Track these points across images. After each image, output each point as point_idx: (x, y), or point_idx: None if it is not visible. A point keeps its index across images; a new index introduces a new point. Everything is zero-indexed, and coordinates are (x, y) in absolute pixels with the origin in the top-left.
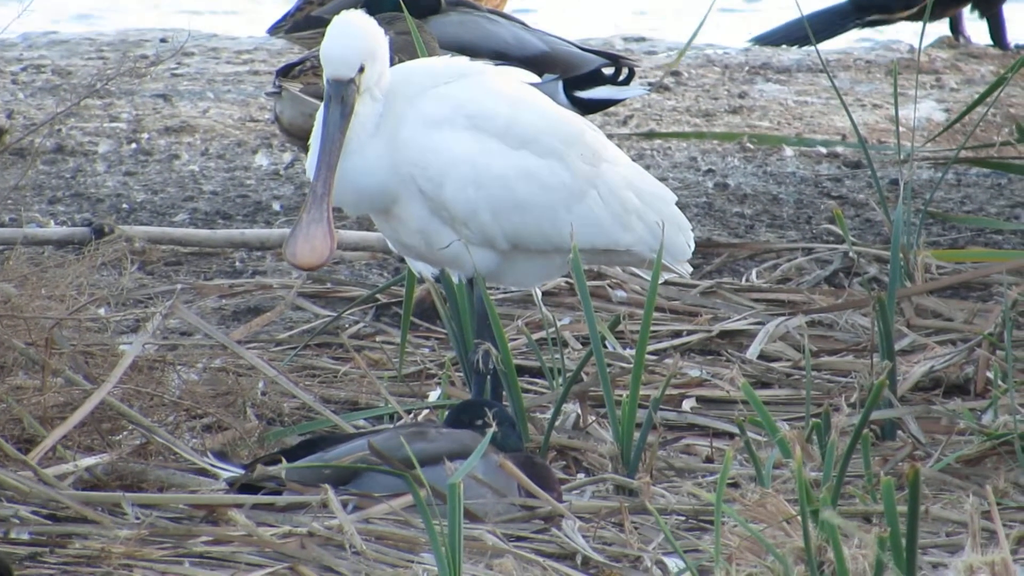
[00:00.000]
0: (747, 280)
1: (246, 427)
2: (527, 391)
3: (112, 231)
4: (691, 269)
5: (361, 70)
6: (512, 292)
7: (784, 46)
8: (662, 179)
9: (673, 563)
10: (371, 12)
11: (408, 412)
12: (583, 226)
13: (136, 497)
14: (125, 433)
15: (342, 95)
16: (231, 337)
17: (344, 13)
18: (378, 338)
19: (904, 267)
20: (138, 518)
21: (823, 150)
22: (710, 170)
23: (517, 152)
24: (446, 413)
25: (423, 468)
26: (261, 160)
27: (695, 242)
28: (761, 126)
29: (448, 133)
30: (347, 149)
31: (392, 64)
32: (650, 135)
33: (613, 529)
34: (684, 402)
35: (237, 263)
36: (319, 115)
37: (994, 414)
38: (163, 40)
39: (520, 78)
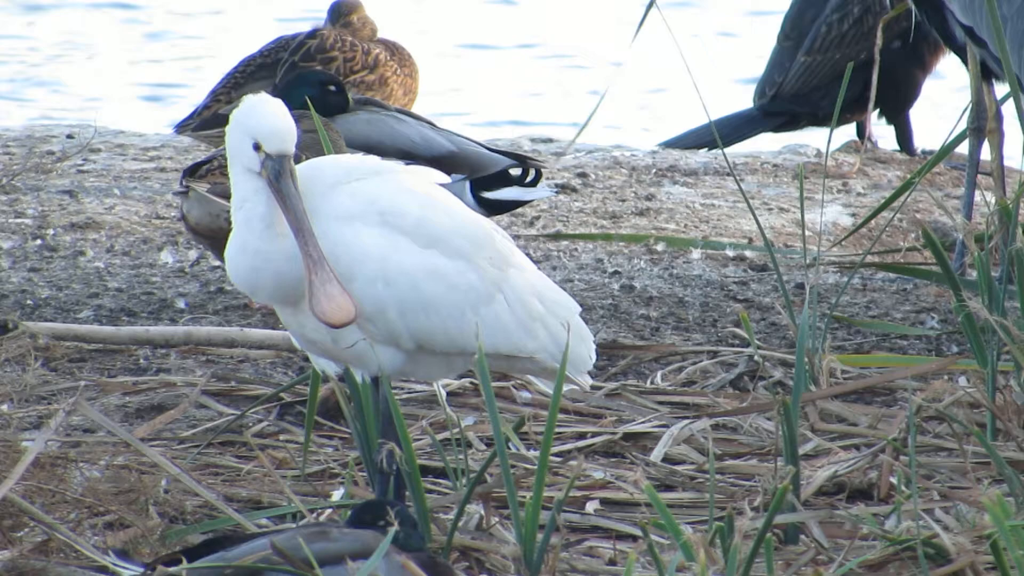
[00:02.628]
0: (652, 382)
1: (148, 525)
2: (430, 491)
3: (16, 327)
4: (591, 381)
5: (298, 146)
6: (417, 392)
7: (692, 149)
8: (568, 280)
9: None
10: None
11: (311, 511)
12: (489, 329)
13: None
14: (27, 530)
15: (290, 169)
16: (134, 434)
17: (260, 95)
18: (282, 437)
19: (809, 371)
20: None
21: (730, 253)
22: (616, 272)
23: (426, 251)
24: (349, 513)
25: (325, 568)
26: (167, 257)
27: (601, 344)
28: (668, 228)
29: (360, 228)
30: (251, 242)
31: (298, 161)
32: (557, 236)
33: None
34: (588, 504)
35: (141, 360)
36: (239, 193)
37: (897, 519)
38: (69, 136)
39: (432, 179)
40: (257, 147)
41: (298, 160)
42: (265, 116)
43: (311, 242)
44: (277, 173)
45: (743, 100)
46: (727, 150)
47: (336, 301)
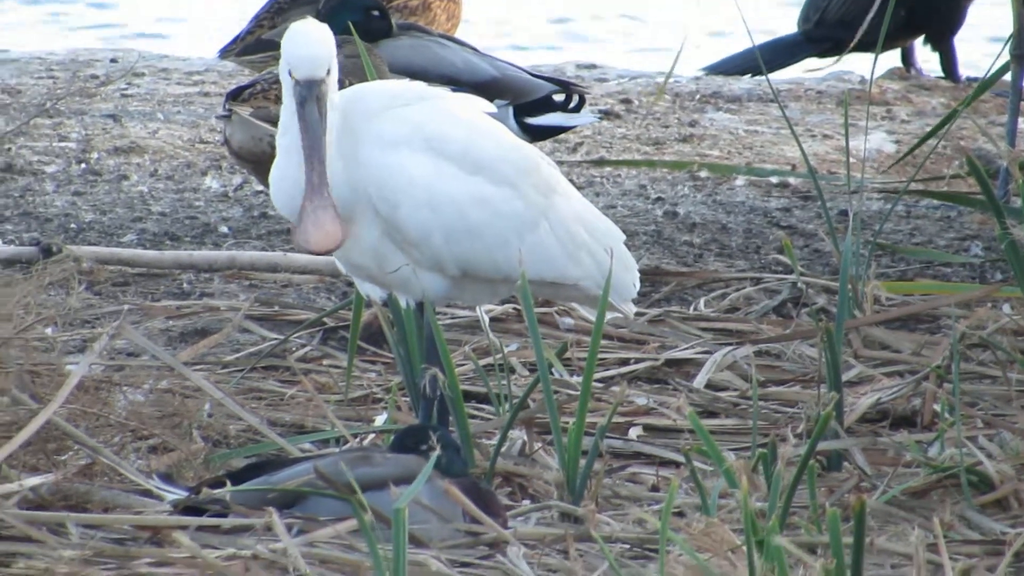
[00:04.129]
0: (695, 309)
1: (192, 449)
2: (473, 417)
3: (60, 251)
4: (635, 309)
5: (328, 72)
6: (460, 317)
7: (736, 75)
8: (611, 207)
9: None
10: None
11: (354, 436)
12: (533, 256)
13: (80, 517)
14: (70, 453)
15: (317, 95)
16: (178, 358)
17: (303, 21)
18: (325, 362)
19: (852, 298)
20: (82, 539)
21: (773, 180)
22: (659, 198)
23: (472, 178)
24: (392, 438)
25: (368, 493)
26: (210, 182)
27: (645, 271)
28: (711, 155)
29: (406, 154)
30: (299, 171)
31: (342, 87)
32: (600, 163)
33: (558, 556)
34: (631, 430)
35: (185, 284)
36: (284, 119)
37: (941, 447)
38: (113, 60)
39: (477, 105)
40: (290, 74)
41: (343, 86)
42: (294, 43)
43: (317, 169)
44: (302, 99)
45: (788, 25)
46: (771, 76)
47: (324, 228)
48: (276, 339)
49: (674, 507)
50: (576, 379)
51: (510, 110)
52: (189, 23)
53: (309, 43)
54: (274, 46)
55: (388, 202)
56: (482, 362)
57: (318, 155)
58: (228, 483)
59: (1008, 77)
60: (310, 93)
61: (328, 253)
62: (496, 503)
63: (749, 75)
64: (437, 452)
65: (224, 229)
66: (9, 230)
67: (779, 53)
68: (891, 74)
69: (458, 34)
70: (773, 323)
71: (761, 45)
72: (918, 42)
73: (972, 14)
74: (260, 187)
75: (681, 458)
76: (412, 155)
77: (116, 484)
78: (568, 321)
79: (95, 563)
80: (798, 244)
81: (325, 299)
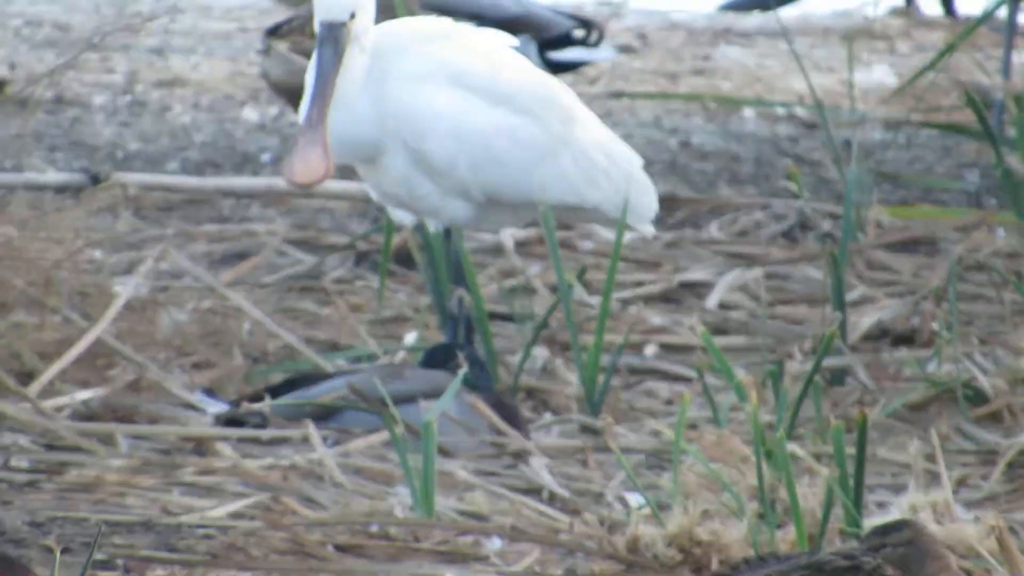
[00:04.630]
0: (707, 233)
1: (232, 365)
2: (498, 335)
3: (108, 178)
4: (653, 230)
5: (352, 16)
6: (485, 241)
7: (747, 11)
8: (628, 136)
9: (634, 499)
10: None
11: (385, 353)
12: (555, 183)
13: (128, 429)
14: (118, 369)
15: (335, 36)
16: (219, 280)
17: None
18: (358, 283)
19: (856, 223)
20: (130, 449)
21: (781, 111)
22: (674, 129)
23: (496, 109)
24: (421, 355)
25: (399, 406)
26: (249, 113)
27: (659, 197)
28: (723, 88)
29: (431, 88)
30: (338, 101)
31: (376, 23)
32: (618, 95)
33: (577, 466)
34: (646, 348)
35: (225, 210)
36: (313, 57)
37: (938, 363)
38: None
39: (500, 41)
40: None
41: (377, 22)
42: None
43: (318, 106)
44: (320, 39)
45: None
46: (779, 12)
47: (309, 164)
48: (312, 261)
49: (687, 420)
50: (595, 299)
51: (533, 45)
52: None
53: None
54: None
55: (416, 134)
56: (506, 283)
57: (322, 94)
58: (267, 397)
59: (1003, 13)
60: (328, 34)
61: (309, 187)
62: (519, 416)
63: (759, 11)
64: (464, 368)
65: (263, 158)
66: (59, 158)
67: None
68: (893, 11)
69: None
70: (781, 247)
71: None
72: None
73: None
74: (297, 118)
75: (694, 374)
76: (438, 89)
77: (161, 398)
78: (587, 244)
79: (142, 472)
80: (805, 172)
81: (358, 224)
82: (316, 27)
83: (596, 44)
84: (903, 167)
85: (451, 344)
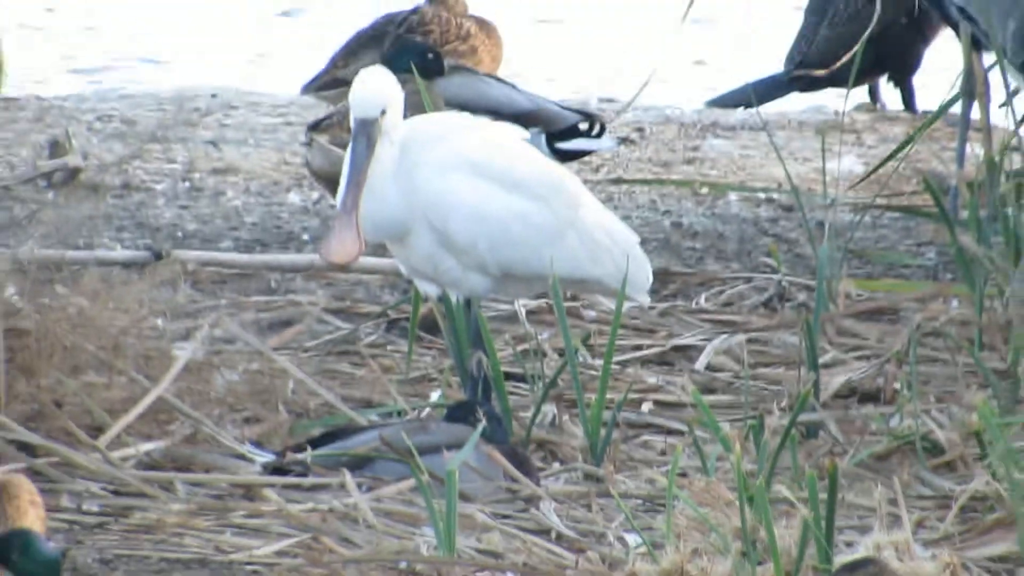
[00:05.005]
0: (696, 303)
1: (278, 420)
2: (512, 394)
3: (168, 255)
4: (649, 300)
5: (383, 113)
6: (501, 310)
7: (732, 108)
8: (627, 218)
9: (632, 538)
10: None
11: (413, 409)
12: (562, 260)
13: (186, 477)
14: (177, 424)
15: (368, 131)
16: (267, 345)
17: (369, 67)
18: (389, 347)
19: (828, 295)
20: (187, 495)
21: (762, 196)
22: (667, 211)
23: (511, 195)
24: (445, 411)
25: (425, 457)
26: (293, 198)
27: (654, 271)
28: (711, 175)
29: (455, 177)
30: (370, 189)
31: (405, 117)
32: (618, 181)
33: (582, 510)
34: (643, 405)
35: (272, 283)
36: (348, 149)
37: (900, 418)
38: (213, 96)
39: (514, 133)
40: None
41: (406, 116)
42: (354, 87)
43: (352, 193)
44: (354, 133)
45: (776, 66)
46: (760, 109)
47: (345, 245)
48: (348, 328)
49: (679, 469)
50: (598, 362)
51: (543, 137)
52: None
53: (364, 88)
54: (347, 83)
55: (441, 217)
56: (519, 348)
57: (356, 183)
58: (308, 448)
59: (957, 109)
60: (361, 129)
61: (344, 266)
62: (531, 465)
63: (743, 108)
64: (482, 423)
65: (305, 237)
66: (126, 238)
67: (768, 90)
68: (860, 107)
69: (499, 73)
70: (762, 315)
71: (753, 83)
72: (883, 81)
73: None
74: (334, 202)
75: (685, 428)
76: (460, 176)
77: (215, 449)
78: (591, 313)
79: (198, 515)
80: (783, 249)
81: (389, 295)
82: (351, 123)
83: (599, 136)
84: (869, 245)
85: (471, 401)
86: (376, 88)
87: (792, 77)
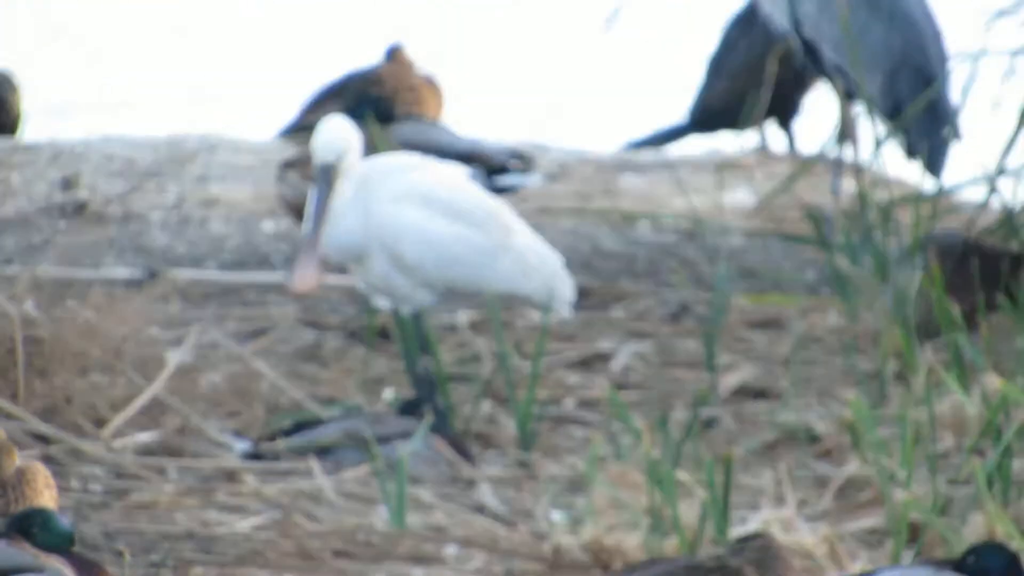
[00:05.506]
0: (612, 314)
1: (255, 414)
2: (454, 392)
3: (162, 274)
4: (571, 312)
5: (340, 158)
6: (445, 321)
7: (643, 150)
8: (552, 242)
9: (557, 515)
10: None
11: (370, 405)
12: (498, 277)
13: (177, 462)
14: (169, 417)
15: (327, 174)
16: (246, 350)
17: (329, 117)
18: (349, 353)
19: (724, 307)
20: (178, 477)
21: (668, 224)
22: (587, 236)
23: (454, 222)
24: (397, 407)
25: (380, 445)
26: (268, 226)
27: (575, 288)
28: (624, 206)
29: (406, 207)
30: (333, 218)
31: (364, 157)
32: (545, 211)
33: (514, 491)
34: (566, 401)
35: (250, 298)
36: (311, 191)
37: (785, 413)
38: (201, 139)
39: (456, 170)
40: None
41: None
42: (316, 135)
43: (316, 232)
44: (315, 176)
45: (680, 113)
46: (666, 150)
47: (306, 278)
48: (314, 336)
49: (597, 456)
50: (527, 364)
51: (482, 173)
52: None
53: (324, 137)
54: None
55: (393, 240)
56: (460, 353)
57: (319, 221)
58: (281, 438)
59: (833, 151)
60: (321, 173)
61: (305, 295)
62: (470, 453)
63: (653, 149)
64: (429, 417)
65: (278, 259)
66: (127, 260)
67: (673, 134)
68: (752, 149)
69: (442, 119)
70: (668, 325)
71: (661, 129)
72: (770, 125)
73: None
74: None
75: (602, 421)
76: (411, 207)
77: (201, 439)
78: (522, 322)
79: (187, 495)
80: (686, 270)
81: (349, 308)
82: (314, 166)
83: (528, 173)
84: (759, 265)
85: (419, 398)
86: (333, 136)
87: (694, 122)
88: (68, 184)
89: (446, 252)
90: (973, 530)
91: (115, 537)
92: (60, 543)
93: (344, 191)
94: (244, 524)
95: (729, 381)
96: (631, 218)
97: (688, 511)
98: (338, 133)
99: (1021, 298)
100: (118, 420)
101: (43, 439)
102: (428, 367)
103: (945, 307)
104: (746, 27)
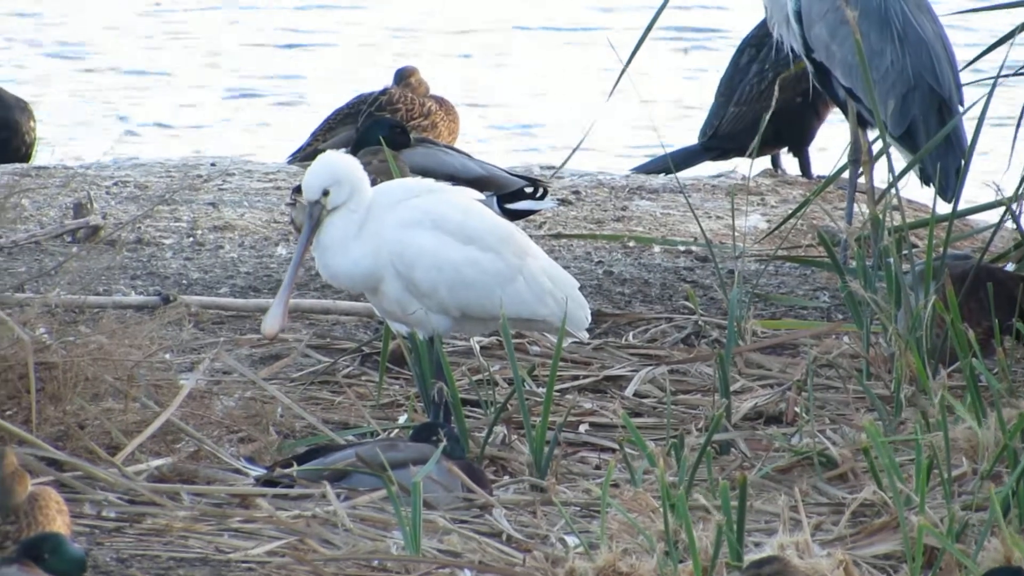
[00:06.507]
0: (625, 340)
1: (268, 440)
2: (468, 417)
3: (175, 299)
4: (586, 336)
5: (325, 193)
6: (458, 346)
7: (654, 174)
8: (565, 267)
9: (571, 540)
10: (359, 147)
11: (384, 431)
12: (511, 301)
13: (190, 488)
14: (183, 443)
15: (311, 211)
16: (259, 375)
17: (323, 154)
18: (363, 378)
19: (737, 332)
20: (191, 503)
21: (681, 248)
22: (600, 261)
23: (466, 247)
24: (411, 432)
25: (394, 471)
26: (281, 250)
27: (590, 312)
28: (637, 230)
29: (418, 232)
30: (343, 250)
31: (375, 184)
32: (558, 236)
33: (528, 516)
34: (580, 426)
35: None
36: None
37: (800, 437)
38: (213, 164)
39: (469, 195)
40: None
41: (375, 183)
42: (306, 171)
43: (291, 275)
44: (304, 215)
45: (692, 138)
46: (679, 175)
47: (273, 321)
48: (328, 362)
49: (611, 480)
50: (541, 390)
51: (494, 199)
52: (267, 137)
53: (311, 174)
54: None
55: (406, 266)
56: (475, 377)
57: (296, 263)
58: (295, 463)
59: (846, 175)
60: (306, 211)
61: (271, 340)
62: (484, 478)
63: (664, 174)
64: (443, 442)
65: None
66: (139, 285)
67: (685, 159)
68: (764, 173)
69: (456, 144)
70: (681, 350)
71: (672, 153)
72: (783, 151)
73: (829, 131)
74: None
75: (616, 446)
76: (423, 232)
77: (215, 465)
78: (536, 348)
79: (201, 520)
80: (699, 294)
81: (363, 333)
82: (299, 206)
83: (542, 197)
84: (772, 290)
85: (433, 423)
86: (318, 174)
87: (705, 148)
88: (80, 209)
89: (459, 277)
90: (989, 555)
91: (129, 563)
92: (72, 569)
93: (345, 223)
94: (258, 550)
95: (743, 406)
96: (644, 242)
97: (703, 536)
98: (321, 171)
99: None
100: (131, 446)
101: (56, 465)
102: (442, 392)
103: (960, 331)
104: (756, 52)
